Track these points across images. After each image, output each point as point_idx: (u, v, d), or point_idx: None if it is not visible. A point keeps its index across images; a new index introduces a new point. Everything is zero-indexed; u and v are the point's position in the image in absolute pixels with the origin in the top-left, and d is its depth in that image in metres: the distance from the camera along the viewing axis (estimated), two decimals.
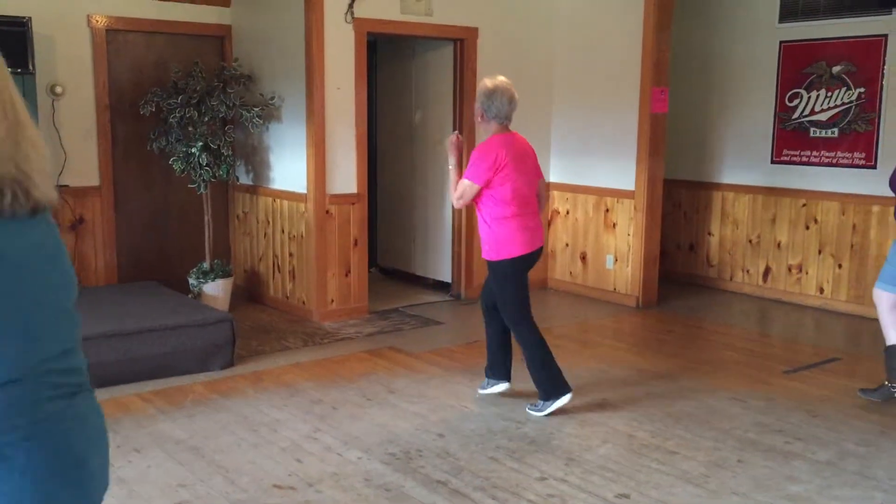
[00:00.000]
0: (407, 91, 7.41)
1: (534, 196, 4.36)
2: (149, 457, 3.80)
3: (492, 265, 4.34)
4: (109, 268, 6.50)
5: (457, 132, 4.47)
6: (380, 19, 6.25)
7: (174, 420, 4.25)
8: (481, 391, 4.64)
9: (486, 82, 4.25)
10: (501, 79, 4.26)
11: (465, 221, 6.89)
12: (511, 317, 4.35)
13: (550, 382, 4.32)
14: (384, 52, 7.62)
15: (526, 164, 4.29)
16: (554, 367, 4.33)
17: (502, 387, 4.61)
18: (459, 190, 4.25)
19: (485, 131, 4.33)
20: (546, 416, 4.30)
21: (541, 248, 4.38)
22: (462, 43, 6.74)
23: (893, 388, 4.52)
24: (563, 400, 4.32)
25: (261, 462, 3.75)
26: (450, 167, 4.38)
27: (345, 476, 3.62)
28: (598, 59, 6.92)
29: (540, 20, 7.16)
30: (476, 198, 4.26)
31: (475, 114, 4.32)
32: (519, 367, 4.75)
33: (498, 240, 4.25)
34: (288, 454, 3.84)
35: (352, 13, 6.07)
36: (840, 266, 6.62)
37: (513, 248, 4.24)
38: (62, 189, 6.17)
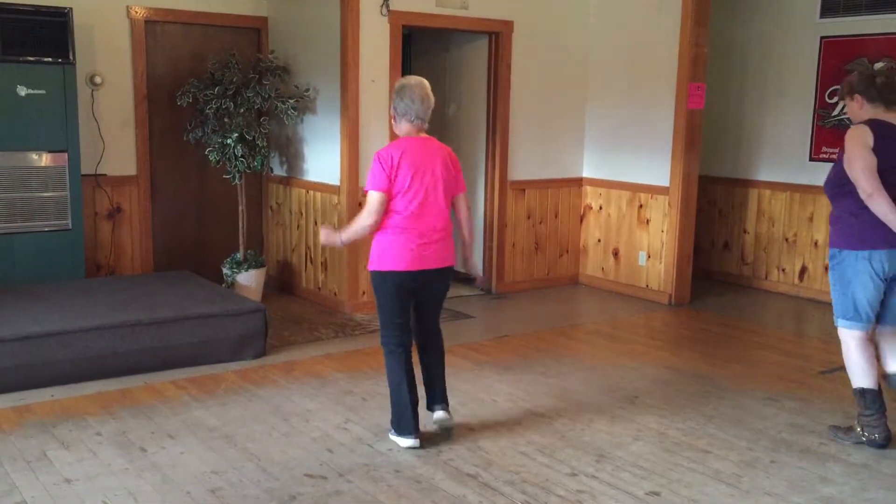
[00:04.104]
0: (441, 84, 7.39)
1: (441, 212, 3.87)
2: (182, 443, 3.84)
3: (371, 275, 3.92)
4: (145, 256, 6.59)
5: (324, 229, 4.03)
6: (415, 12, 6.25)
7: (207, 408, 4.29)
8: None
9: (401, 79, 3.91)
10: (418, 77, 3.88)
11: (497, 215, 6.88)
12: (381, 332, 3.91)
13: (395, 415, 3.87)
14: (419, 45, 7.61)
15: (431, 174, 3.80)
16: (402, 404, 3.82)
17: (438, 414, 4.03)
18: (365, 208, 3.77)
19: (398, 133, 3.88)
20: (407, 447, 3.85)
21: (434, 272, 3.87)
22: (497, 36, 6.72)
23: (864, 435, 3.96)
24: (403, 441, 3.82)
25: (292, 451, 3.78)
26: (342, 237, 3.92)
27: (375, 467, 3.63)
28: (634, 54, 6.86)
29: (575, 14, 7.12)
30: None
31: (390, 115, 3.88)
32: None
33: (375, 248, 3.85)
34: (319, 444, 3.87)
35: (387, 6, 6.08)
36: None
37: (383, 260, 3.79)
38: (100, 178, 6.27)
